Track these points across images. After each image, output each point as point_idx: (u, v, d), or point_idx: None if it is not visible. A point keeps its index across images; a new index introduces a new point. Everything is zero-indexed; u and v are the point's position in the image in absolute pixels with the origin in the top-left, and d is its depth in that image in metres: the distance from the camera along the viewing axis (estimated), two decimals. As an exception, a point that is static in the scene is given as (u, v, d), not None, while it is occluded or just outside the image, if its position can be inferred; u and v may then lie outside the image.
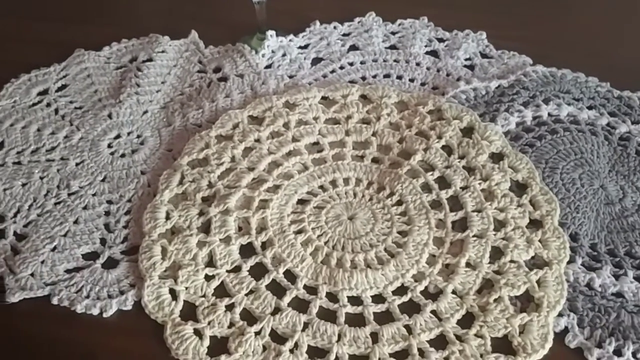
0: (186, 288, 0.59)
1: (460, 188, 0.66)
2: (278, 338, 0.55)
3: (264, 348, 0.54)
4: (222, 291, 0.59)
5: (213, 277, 0.60)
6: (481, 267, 0.59)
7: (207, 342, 0.55)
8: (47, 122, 0.77)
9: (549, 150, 0.70)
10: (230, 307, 0.57)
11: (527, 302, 0.58)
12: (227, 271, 0.60)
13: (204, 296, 0.58)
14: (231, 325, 0.56)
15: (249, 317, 0.57)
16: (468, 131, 0.72)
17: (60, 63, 0.85)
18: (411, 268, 0.60)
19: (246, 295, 0.58)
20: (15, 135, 0.75)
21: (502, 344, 0.55)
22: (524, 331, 0.55)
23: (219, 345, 0.55)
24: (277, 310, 0.57)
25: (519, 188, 0.67)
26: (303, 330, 0.56)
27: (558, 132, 0.72)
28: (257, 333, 0.55)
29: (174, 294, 0.58)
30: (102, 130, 0.75)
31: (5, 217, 0.66)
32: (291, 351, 0.54)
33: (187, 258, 0.61)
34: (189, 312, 0.58)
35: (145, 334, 0.57)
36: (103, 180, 0.70)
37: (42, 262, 0.61)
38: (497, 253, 0.61)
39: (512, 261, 0.60)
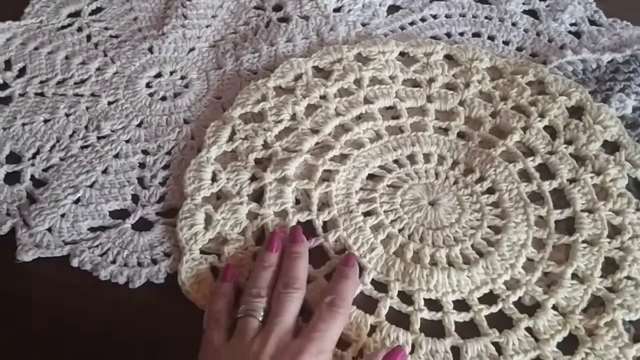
0: None
1: (567, 180, 0.55)
2: (339, 342, 0.46)
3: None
4: (273, 276, 0.49)
5: None
6: (591, 282, 0.49)
7: None
8: (78, 49, 0.65)
9: (673, 144, 0.58)
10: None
11: (642, 329, 0.47)
12: (281, 254, 0.50)
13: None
14: None
15: (304, 311, 0.47)
16: (576, 111, 0.60)
17: (96, -19, 0.73)
18: (504, 273, 0.49)
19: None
20: (40, 62, 0.64)
21: (613, 379, 0.45)
22: (639, 365, 0.45)
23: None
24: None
25: (638, 188, 0.55)
26: (369, 334, 0.46)
27: (682, 124, 0.60)
28: None
29: (216, 274, 0.49)
30: (141, 65, 0.64)
31: (22, 157, 0.56)
32: (354, 359, 0.45)
33: (235, 231, 0.51)
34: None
35: (179, 317, 0.47)
36: (139, 126, 0.59)
37: (63, 215, 0.52)
38: (610, 265, 0.50)
39: (629, 277, 0.49)
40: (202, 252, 0.50)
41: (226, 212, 0.52)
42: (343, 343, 0.45)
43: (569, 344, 0.46)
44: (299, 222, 0.52)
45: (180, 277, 0.48)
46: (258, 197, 0.53)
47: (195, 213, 0.51)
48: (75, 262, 0.49)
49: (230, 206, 0.52)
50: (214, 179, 0.54)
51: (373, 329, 0.46)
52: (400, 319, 0.47)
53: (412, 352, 0.45)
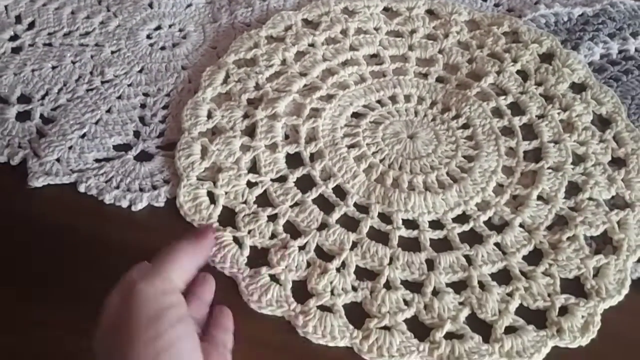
0: (226, 193, 0.53)
1: (536, 116, 0.59)
2: (323, 255, 0.50)
3: (308, 264, 0.49)
4: (264, 200, 0.53)
5: (256, 184, 0.54)
6: (555, 202, 0.53)
7: (246, 252, 0.50)
8: (83, 5, 0.70)
9: (635, 86, 0.63)
10: (272, 218, 0.52)
11: (603, 244, 0.52)
12: (272, 180, 0.54)
13: (245, 203, 0.53)
14: (273, 236, 0.51)
15: (293, 231, 0.51)
16: (547, 57, 0.65)
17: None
18: (475, 195, 0.54)
19: (291, 207, 0.52)
20: (47, 16, 0.68)
21: (573, 286, 0.49)
22: (599, 274, 0.49)
23: (259, 257, 0.50)
24: (323, 226, 0.51)
25: (602, 123, 0.60)
26: (352, 249, 0.50)
27: (647, 68, 0.64)
28: (301, 248, 0.50)
29: (212, 198, 0.53)
30: (142, 19, 0.69)
31: (32, 98, 0.60)
32: (338, 270, 0.49)
33: (229, 161, 0.55)
34: (228, 219, 0.52)
35: (178, 235, 0.51)
36: (140, 71, 0.63)
37: (70, 147, 0.56)
38: (573, 189, 0.55)
39: (590, 199, 0.54)
40: (198, 179, 0.54)
41: (220, 144, 0.56)
42: (326, 256, 0.50)
43: (534, 257, 0.51)
44: (287, 154, 0.56)
45: (179, 199, 0.52)
46: (250, 132, 0.58)
47: (192, 145, 0.56)
48: (82, 188, 0.54)
49: (224, 139, 0.56)
50: (209, 116, 0.58)
51: (355, 244, 0.50)
52: (379, 237, 0.51)
53: (390, 264, 0.49)
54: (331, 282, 0.48)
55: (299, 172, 0.55)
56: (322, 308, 0.47)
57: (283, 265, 0.49)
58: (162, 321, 0.36)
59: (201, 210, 0.52)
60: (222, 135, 0.56)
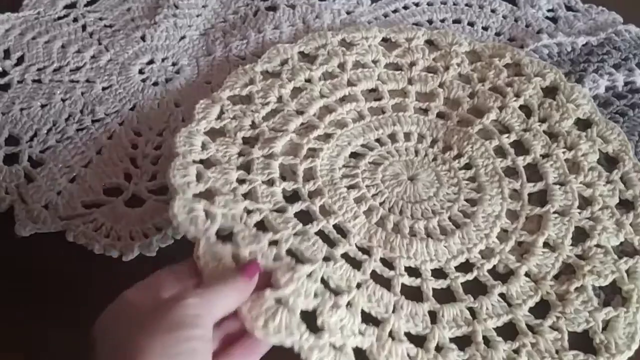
0: (223, 214, 0.47)
1: (541, 156, 0.57)
2: (331, 291, 0.46)
3: (316, 294, 0.43)
4: (263, 228, 0.49)
5: (253, 211, 0.50)
6: (562, 250, 0.51)
7: None
8: (73, 38, 0.68)
9: (643, 121, 0.61)
10: (274, 244, 0.46)
11: (612, 295, 0.50)
12: (270, 210, 0.51)
13: (244, 225, 0.47)
14: (276, 259, 0.44)
15: (296, 260, 0.45)
16: (550, 91, 0.63)
17: (91, -26, 0.76)
18: (479, 242, 0.52)
19: (293, 235, 0.49)
20: (37, 50, 0.66)
21: (582, 340, 0.47)
22: (608, 328, 0.47)
23: (262, 279, 0.43)
24: (328, 259, 0.48)
25: (609, 162, 0.58)
26: (358, 288, 0.47)
27: (655, 102, 0.63)
28: (308, 276, 0.44)
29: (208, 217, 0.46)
30: (134, 53, 0.67)
31: (20, 139, 0.58)
32: (347, 308, 0.45)
33: (225, 189, 0.51)
34: (226, 239, 0.45)
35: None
36: (132, 109, 0.62)
37: (59, 193, 0.54)
38: (580, 235, 0.53)
39: (598, 245, 0.52)
40: (194, 196, 0.48)
41: (217, 172, 0.52)
42: (334, 293, 0.46)
43: (541, 309, 0.49)
44: (284, 190, 0.53)
45: (173, 210, 0.45)
46: (246, 169, 0.54)
47: (187, 167, 0.50)
48: (70, 237, 0.52)
49: (220, 169, 0.53)
50: (203, 147, 0.54)
51: (359, 285, 0.48)
52: (382, 283, 0.49)
53: (394, 311, 0.47)
54: (341, 320, 0.44)
55: (298, 206, 0.52)
56: (333, 347, 0.42)
57: (292, 288, 0.42)
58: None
59: (197, 223, 0.44)
60: (219, 166, 0.53)
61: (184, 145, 0.53)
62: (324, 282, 0.46)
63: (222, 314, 0.39)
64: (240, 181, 0.53)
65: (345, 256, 0.50)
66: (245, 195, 0.52)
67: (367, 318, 0.47)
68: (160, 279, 0.40)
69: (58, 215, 0.53)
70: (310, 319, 0.43)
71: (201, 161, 0.53)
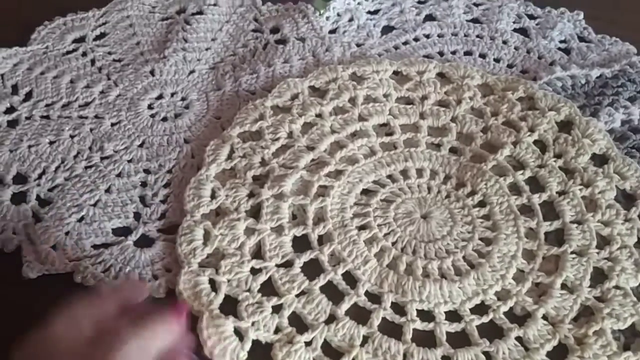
0: (228, 280, 0.50)
1: (557, 193, 0.56)
2: (331, 352, 0.47)
3: None
4: (269, 288, 0.50)
5: (260, 270, 0.51)
6: (580, 291, 0.50)
7: (248, 346, 0.46)
8: (82, 73, 0.68)
9: (661, 156, 0.60)
10: (277, 309, 0.49)
11: (632, 338, 0.48)
12: (277, 265, 0.51)
13: (248, 291, 0.49)
14: (278, 330, 0.47)
15: (299, 323, 0.48)
16: (565, 125, 0.62)
17: (100, 8, 0.76)
18: (495, 284, 0.50)
19: (297, 296, 0.49)
20: (46, 86, 0.66)
21: (602, 386, 0.46)
22: (628, 373, 0.46)
23: (261, 351, 0.47)
24: (332, 319, 0.48)
25: (626, 199, 0.56)
26: (362, 345, 0.47)
27: (673, 136, 0.61)
28: (308, 344, 0.47)
29: (214, 286, 0.50)
30: (143, 88, 0.67)
31: (28, 178, 0.58)
32: None
33: (232, 247, 0.52)
34: (230, 309, 0.49)
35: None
36: (141, 146, 0.61)
37: (67, 233, 0.53)
38: (599, 275, 0.51)
39: (617, 287, 0.50)
40: (200, 265, 0.51)
41: (224, 228, 0.53)
42: (336, 353, 0.47)
43: (559, 353, 0.47)
44: (294, 236, 0.53)
45: (178, 287, 0.49)
46: (255, 213, 0.55)
47: (194, 229, 0.53)
48: (78, 279, 0.51)
49: (228, 222, 0.53)
50: (213, 195, 0.56)
51: (365, 339, 0.47)
52: (392, 330, 0.48)
53: (404, 361, 0.46)
54: None
55: (307, 257, 0.52)
56: None
57: None
58: None
59: (201, 297, 0.49)
60: (226, 217, 0.54)
61: (193, 200, 0.55)
62: (325, 343, 0.47)
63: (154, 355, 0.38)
64: (249, 232, 0.53)
65: (350, 310, 0.49)
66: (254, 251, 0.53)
67: None
68: (103, 304, 0.40)
69: (66, 257, 0.52)
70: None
71: (211, 211, 0.55)
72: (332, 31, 0.74)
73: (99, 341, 0.36)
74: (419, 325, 0.48)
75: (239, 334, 0.47)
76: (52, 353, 0.36)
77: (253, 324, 0.47)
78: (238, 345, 0.46)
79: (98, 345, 0.36)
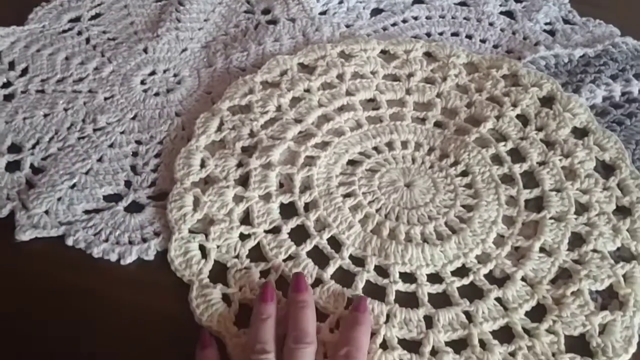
0: (218, 246, 0.51)
1: (537, 163, 0.58)
2: (318, 313, 0.48)
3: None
4: (257, 253, 0.52)
5: (249, 236, 0.52)
6: (558, 254, 0.51)
7: (235, 310, 0.48)
8: (77, 50, 0.69)
9: (640, 130, 0.61)
10: (265, 274, 0.50)
11: (609, 299, 0.49)
12: (265, 231, 0.53)
13: (237, 257, 0.51)
14: None
15: (286, 287, 0.49)
16: (547, 101, 0.63)
17: (95, -10, 0.78)
18: (475, 247, 0.52)
19: (284, 261, 0.51)
20: (41, 62, 0.68)
21: (578, 344, 0.47)
22: (605, 332, 0.47)
23: (250, 315, 0.48)
24: (318, 282, 0.50)
25: (605, 169, 0.58)
26: (346, 307, 0.48)
27: (652, 111, 0.63)
28: None
29: (203, 251, 0.51)
30: (136, 64, 0.68)
31: (22, 147, 0.59)
32: (331, 330, 0.47)
33: (221, 213, 0.53)
34: (219, 274, 0.50)
35: (166, 290, 0.50)
36: (133, 118, 0.62)
37: (59, 199, 0.55)
38: (577, 240, 0.53)
39: (595, 250, 0.52)
40: (190, 231, 0.52)
41: (213, 195, 0.54)
42: (321, 315, 0.48)
43: (537, 313, 0.48)
44: (281, 204, 0.55)
45: (170, 254, 0.51)
46: (244, 182, 0.56)
47: (184, 196, 0.54)
48: (69, 241, 0.52)
49: (217, 189, 0.55)
50: (202, 165, 0.57)
51: (350, 301, 0.48)
52: (376, 292, 0.50)
53: (386, 322, 0.47)
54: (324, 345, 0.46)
55: (293, 223, 0.53)
56: None
57: None
58: None
59: (192, 265, 0.50)
60: (215, 185, 0.55)
61: (183, 169, 0.56)
62: None
63: None
64: (238, 199, 0.54)
65: (336, 274, 0.50)
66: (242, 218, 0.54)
67: None
68: None
69: (58, 221, 0.53)
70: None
71: (200, 180, 0.56)
72: (323, 13, 0.75)
73: None
74: (401, 286, 0.50)
75: (228, 299, 0.49)
76: None
77: (241, 288, 0.49)
78: (225, 310, 0.48)
79: None
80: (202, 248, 0.52)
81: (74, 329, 0.48)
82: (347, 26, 0.73)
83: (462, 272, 0.51)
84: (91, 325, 0.48)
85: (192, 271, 0.50)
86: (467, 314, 0.48)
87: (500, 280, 0.50)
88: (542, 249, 0.52)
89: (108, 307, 0.49)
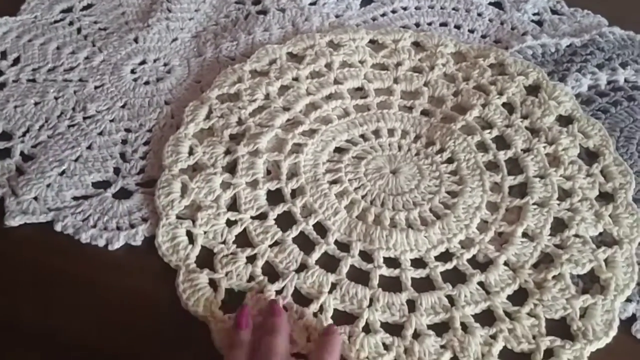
0: (205, 232, 0.52)
1: (522, 150, 0.58)
2: (302, 299, 0.49)
3: (286, 309, 0.47)
4: (244, 239, 0.52)
5: (235, 222, 0.53)
6: (540, 239, 0.52)
7: (221, 296, 0.49)
8: (68, 40, 0.70)
9: (624, 118, 0.62)
10: (251, 259, 0.51)
11: (590, 283, 0.50)
12: (252, 217, 0.53)
13: (224, 243, 0.52)
14: (251, 279, 0.49)
15: (271, 272, 0.50)
16: (533, 90, 0.64)
17: (87, -19, 0.78)
18: (459, 233, 0.52)
19: (270, 247, 0.51)
20: (33, 52, 0.68)
21: (559, 327, 0.48)
22: (586, 315, 0.48)
23: (235, 300, 0.49)
24: (302, 267, 0.50)
25: (589, 156, 0.58)
26: (330, 292, 0.49)
27: (636, 100, 0.63)
28: (279, 292, 0.49)
29: (191, 237, 0.52)
30: (127, 54, 0.69)
31: (13, 135, 0.60)
32: (315, 315, 0.48)
33: (208, 199, 0.54)
34: (206, 259, 0.51)
35: (153, 275, 0.51)
36: (123, 107, 0.63)
37: (48, 185, 0.55)
38: (559, 225, 0.53)
39: (577, 235, 0.52)
40: (178, 217, 0.53)
41: (201, 181, 0.55)
42: (305, 300, 0.49)
43: (519, 296, 0.49)
44: (268, 190, 0.55)
45: (157, 240, 0.51)
46: (231, 169, 0.57)
47: (172, 183, 0.55)
48: (58, 227, 0.53)
49: (204, 176, 0.55)
50: (190, 152, 0.58)
51: (334, 286, 0.49)
52: (360, 277, 0.50)
53: (370, 305, 0.48)
54: (307, 328, 0.47)
55: (280, 209, 0.54)
56: (299, 356, 0.45)
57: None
58: None
59: (179, 250, 0.51)
60: (203, 172, 0.56)
61: (171, 156, 0.56)
62: (296, 291, 0.49)
63: None
64: (225, 186, 0.55)
65: (320, 260, 0.51)
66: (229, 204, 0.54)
67: (342, 316, 0.48)
68: None
69: (47, 207, 0.54)
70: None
71: (189, 167, 0.56)
72: (312, 3, 0.75)
73: None
74: (385, 271, 0.50)
75: (214, 284, 0.49)
76: None
77: (227, 274, 0.50)
78: (212, 295, 0.48)
79: None
80: (189, 234, 0.52)
81: (62, 314, 0.49)
82: (337, 16, 0.74)
83: (445, 257, 0.51)
84: (79, 310, 0.49)
85: (179, 256, 0.51)
86: (450, 298, 0.49)
87: (483, 264, 0.51)
88: (524, 234, 0.52)
89: (96, 292, 0.50)
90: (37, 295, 0.50)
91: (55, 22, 0.73)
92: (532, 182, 0.56)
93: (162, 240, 0.51)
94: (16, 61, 0.67)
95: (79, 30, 0.71)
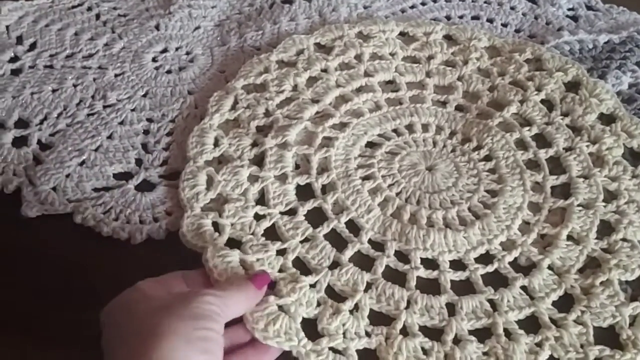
0: (232, 224, 0.49)
1: (564, 149, 0.56)
2: (335, 296, 0.46)
3: (319, 303, 0.45)
4: (273, 234, 0.49)
5: (264, 216, 0.50)
6: (587, 243, 0.49)
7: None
8: (87, 26, 0.67)
9: (667, 118, 0.59)
10: (281, 253, 0.48)
11: (639, 290, 0.47)
12: (281, 213, 0.51)
13: (252, 234, 0.48)
14: (281, 270, 0.46)
15: (303, 268, 0.47)
16: (572, 86, 0.61)
17: (106, -33, 0.75)
18: (500, 234, 0.50)
19: (301, 242, 0.49)
20: (50, 37, 0.66)
21: (607, 336, 0.45)
22: (635, 323, 0.45)
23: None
24: (335, 265, 0.47)
25: (633, 157, 0.56)
26: (366, 290, 0.46)
27: (678, 99, 0.61)
28: (312, 286, 0.46)
29: (217, 229, 0.49)
30: (148, 41, 0.66)
31: (30, 123, 0.57)
32: (351, 312, 0.45)
33: (236, 192, 0.51)
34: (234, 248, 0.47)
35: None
36: (144, 96, 0.60)
37: (67, 176, 0.53)
38: (606, 228, 0.51)
39: (624, 239, 0.50)
40: (203, 209, 0.50)
41: (227, 174, 0.52)
42: (339, 298, 0.46)
43: (565, 303, 0.47)
44: (298, 185, 0.53)
45: (182, 229, 0.48)
46: (259, 161, 0.54)
47: (197, 175, 0.52)
48: (78, 219, 0.50)
49: (231, 168, 0.53)
50: (216, 144, 0.55)
51: (369, 285, 0.47)
52: (396, 277, 0.48)
53: (407, 307, 0.45)
54: (344, 324, 0.44)
55: (310, 205, 0.51)
56: (334, 350, 0.43)
57: (294, 298, 0.44)
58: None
59: (205, 236, 0.47)
60: (229, 164, 0.53)
61: (196, 147, 0.54)
62: (329, 288, 0.46)
63: (232, 316, 0.40)
64: (253, 179, 0.52)
65: (354, 257, 0.48)
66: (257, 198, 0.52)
67: (378, 317, 0.45)
68: (172, 279, 0.42)
69: (67, 198, 0.51)
70: (312, 323, 0.44)
71: (214, 159, 0.54)
72: (340, -7, 0.73)
73: (183, 297, 0.38)
74: (423, 273, 0.48)
75: (245, 265, 0.46)
76: (140, 309, 0.37)
77: (257, 260, 0.46)
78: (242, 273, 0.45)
79: (182, 300, 0.37)
80: (215, 225, 0.49)
81: (82, 308, 0.46)
82: (365, 7, 0.71)
83: (486, 259, 0.49)
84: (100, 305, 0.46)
85: (206, 239, 0.47)
86: (492, 302, 0.46)
87: (525, 268, 0.49)
88: (569, 237, 0.50)
89: (117, 287, 0.47)
90: (55, 291, 0.47)
91: (73, 7, 0.70)
92: (576, 183, 0.53)
93: (187, 230, 0.48)
94: (32, 46, 0.65)
95: (97, 16, 0.69)
